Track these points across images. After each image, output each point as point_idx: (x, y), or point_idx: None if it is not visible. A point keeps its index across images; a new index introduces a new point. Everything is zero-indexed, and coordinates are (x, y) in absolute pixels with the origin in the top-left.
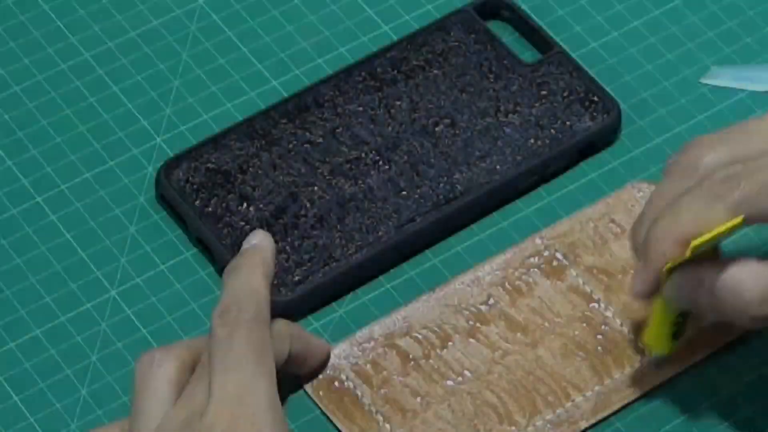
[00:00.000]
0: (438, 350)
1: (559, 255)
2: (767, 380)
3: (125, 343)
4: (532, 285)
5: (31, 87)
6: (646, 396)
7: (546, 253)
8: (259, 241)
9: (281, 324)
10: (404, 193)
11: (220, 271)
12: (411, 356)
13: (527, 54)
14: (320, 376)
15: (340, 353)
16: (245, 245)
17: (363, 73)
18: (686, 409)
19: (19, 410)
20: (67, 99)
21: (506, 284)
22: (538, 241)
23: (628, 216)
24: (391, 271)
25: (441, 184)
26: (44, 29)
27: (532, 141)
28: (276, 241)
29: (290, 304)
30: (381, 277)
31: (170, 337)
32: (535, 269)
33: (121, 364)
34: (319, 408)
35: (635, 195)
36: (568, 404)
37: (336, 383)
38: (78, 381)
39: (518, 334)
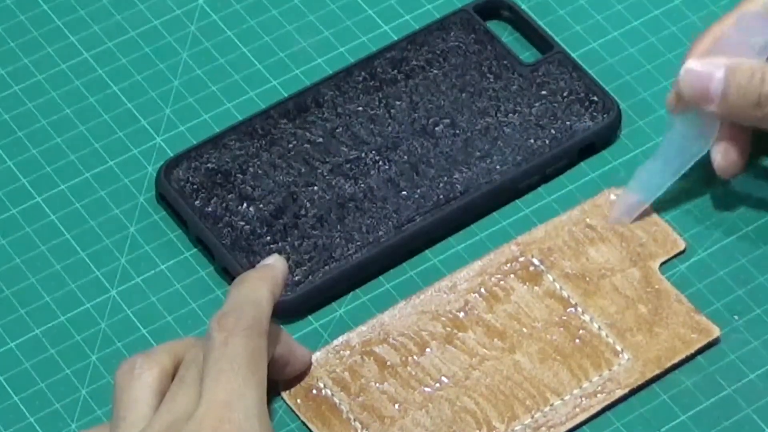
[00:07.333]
0: (415, 357)
1: (535, 260)
2: (767, 380)
3: (125, 343)
4: (508, 290)
5: (31, 87)
6: (645, 396)
7: (522, 259)
8: (273, 262)
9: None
10: (404, 193)
11: (220, 271)
12: (388, 363)
13: (527, 54)
14: (298, 385)
15: (318, 361)
16: (260, 264)
17: (363, 73)
18: (686, 409)
19: (19, 410)
20: (67, 99)
21: (483, 290)
22: (513, 247)
23: (603, 221)
24: (391, 271)
25: (441, 184)
26: (44, 29)
27: (532, 141)
28: (276, 241)
29: (290, 304)
30: (381, 277)
31: (170, 337)
32: (512, 275)
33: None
34: (297, 416)
35: (611, 200)
36: (546, 408)
37: (314, 391)
38: (78, 381)
39: (495, 340)
